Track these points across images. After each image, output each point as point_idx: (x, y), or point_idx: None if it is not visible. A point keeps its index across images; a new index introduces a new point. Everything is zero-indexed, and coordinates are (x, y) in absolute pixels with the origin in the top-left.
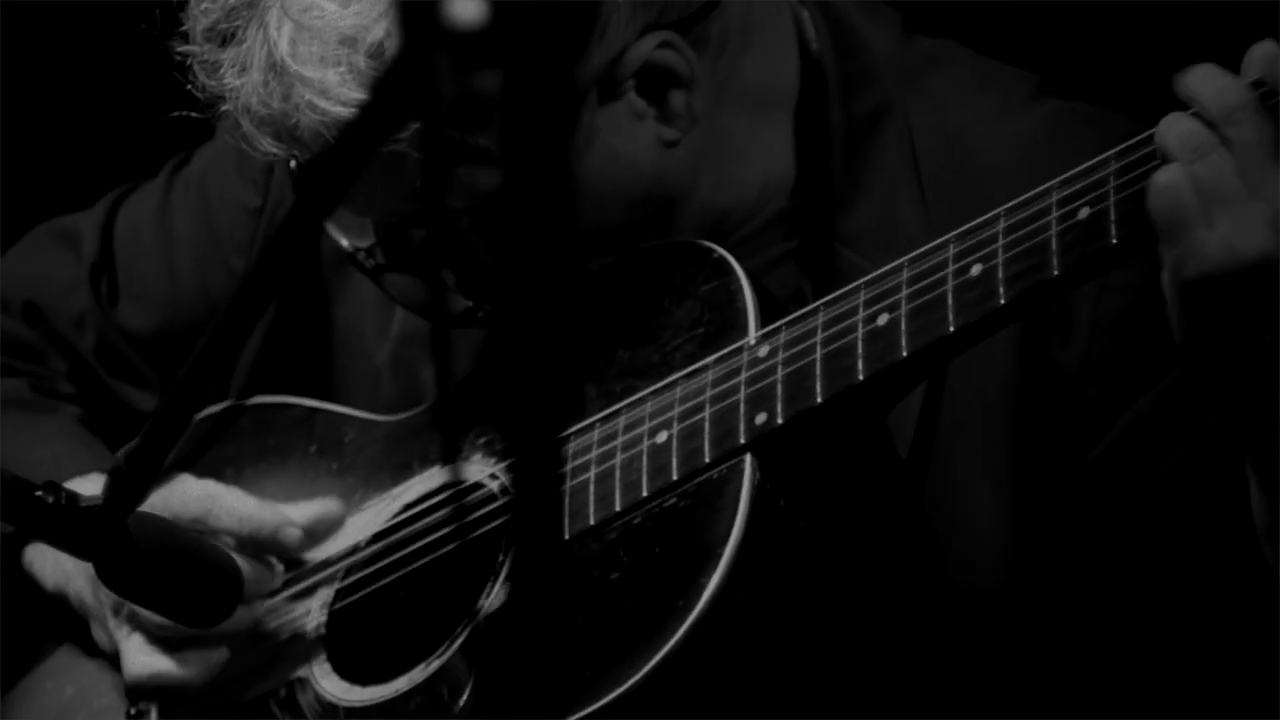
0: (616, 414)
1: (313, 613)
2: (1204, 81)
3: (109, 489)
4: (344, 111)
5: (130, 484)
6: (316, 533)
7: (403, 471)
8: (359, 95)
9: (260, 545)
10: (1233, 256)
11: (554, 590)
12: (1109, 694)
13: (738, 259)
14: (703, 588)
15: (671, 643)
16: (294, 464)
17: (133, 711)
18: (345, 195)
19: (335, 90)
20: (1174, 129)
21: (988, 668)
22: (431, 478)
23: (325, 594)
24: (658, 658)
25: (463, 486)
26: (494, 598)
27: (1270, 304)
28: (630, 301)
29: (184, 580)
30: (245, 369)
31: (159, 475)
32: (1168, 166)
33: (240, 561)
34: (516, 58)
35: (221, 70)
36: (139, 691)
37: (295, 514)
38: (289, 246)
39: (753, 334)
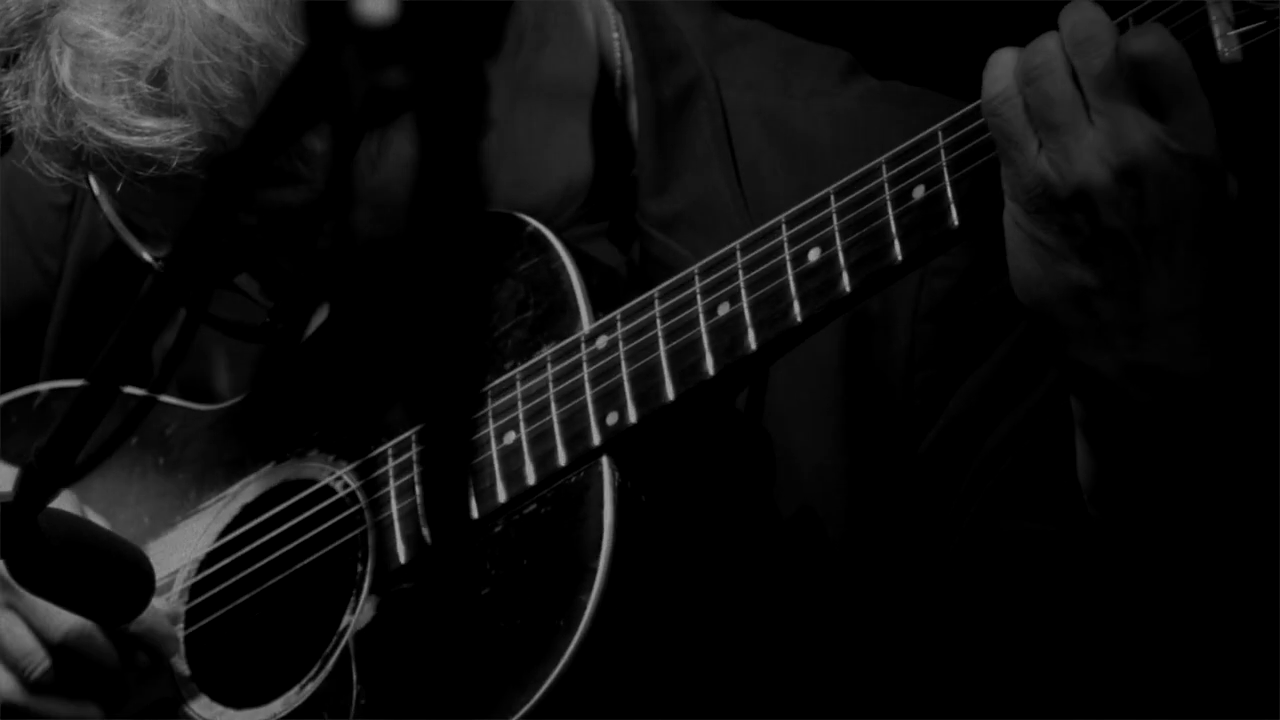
0: None
1: None
2: (1073, 12)
3: (20, 485)
4: (128, 139)
5: (41, 481)
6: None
7: (236, 468)
8: (143, 122)
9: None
10: (1060, 178)
11: (435, 607)
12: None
13: None
14: (583, 605)
15: (560, 665)
16: (116, 458)
17: None
18: (250, 189)
19: (118, 118)
20: (1017, 55)
21: (855, 635)
22: (268, 476)
23: (176, 610)
24: (549, 681)
25: (310, 491)
26: (360, 613)
27: (1094, 242)
28: (447, 284)
29: (96, 576)
30: (50, 355)
31: (71, 472)
32: (1000, 81)
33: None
34: (425, 56)
35: (4, 92)
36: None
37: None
38: (197, 242)
39: (586, 323)
